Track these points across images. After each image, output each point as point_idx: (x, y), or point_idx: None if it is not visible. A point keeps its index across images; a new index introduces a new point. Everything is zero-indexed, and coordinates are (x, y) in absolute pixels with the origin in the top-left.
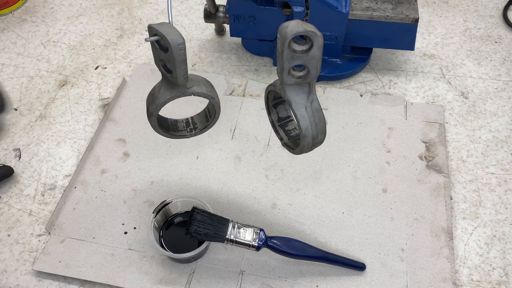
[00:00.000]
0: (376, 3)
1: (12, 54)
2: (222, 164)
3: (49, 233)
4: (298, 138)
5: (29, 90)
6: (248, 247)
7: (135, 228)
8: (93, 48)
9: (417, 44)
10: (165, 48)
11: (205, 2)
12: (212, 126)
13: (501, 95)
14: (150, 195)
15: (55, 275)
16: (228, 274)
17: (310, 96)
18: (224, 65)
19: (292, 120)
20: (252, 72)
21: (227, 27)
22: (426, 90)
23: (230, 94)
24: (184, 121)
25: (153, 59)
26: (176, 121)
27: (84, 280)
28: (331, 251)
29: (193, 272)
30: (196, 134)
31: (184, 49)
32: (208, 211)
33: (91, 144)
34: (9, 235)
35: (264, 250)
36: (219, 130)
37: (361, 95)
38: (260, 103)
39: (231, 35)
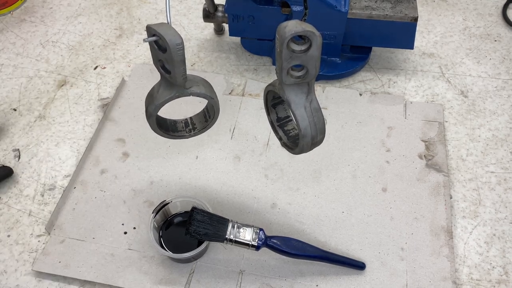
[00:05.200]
0: (375, 2)
1: (11, 55)
2: (222, 163)
3: (49, 234)
4: (297, 138)
5: (28, 91)
6: (247, 247)
7: (134, 228)
8: (92, 48)
9: (416, 43)
10: (164, 48)
11: (204, 2)
12: (211, 127)
13: (501, 94)
14: (150, 195)
15: (55, 275)
16: (228, 273)
17: (309, 96)
18: (223, 64)
19: (291, 120)
20: (251, 72)
21: (226, 26)
22: (425, 89)
23: (230, 93)
24: (183, 122)
25: (152, 59)
26: (175, 121)
27: (84, 280)
28: (330, 251)
29: (193, 272)
30: (195, 135)
31: (183, 49)
32: (208, 211)
33: (90, 144)
34: (8, 236)
35: (264, 249)
36: (218, 130)
37: (360, 94)
38: (259, 102)
39: (230, 34)
